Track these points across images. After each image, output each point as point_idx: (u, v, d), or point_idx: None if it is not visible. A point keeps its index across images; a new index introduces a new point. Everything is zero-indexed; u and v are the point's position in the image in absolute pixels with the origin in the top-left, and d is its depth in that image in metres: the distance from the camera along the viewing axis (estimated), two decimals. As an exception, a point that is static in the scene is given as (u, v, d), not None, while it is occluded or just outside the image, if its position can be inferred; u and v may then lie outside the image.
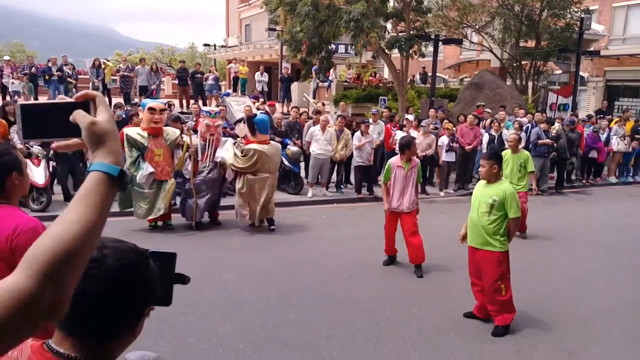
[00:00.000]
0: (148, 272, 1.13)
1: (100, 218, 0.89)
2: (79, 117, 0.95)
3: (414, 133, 11.01)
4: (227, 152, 7.78)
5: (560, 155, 11.86)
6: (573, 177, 13.20)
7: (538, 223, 8.47)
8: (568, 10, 18.58)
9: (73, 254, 0.83)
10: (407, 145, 6.25)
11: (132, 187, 7.16)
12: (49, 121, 0.98)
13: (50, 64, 16.65)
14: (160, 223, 7.84)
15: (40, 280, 0.79)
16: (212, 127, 7.70)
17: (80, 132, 0.95)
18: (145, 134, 7.24)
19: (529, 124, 12.19)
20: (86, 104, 0.98)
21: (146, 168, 7.14)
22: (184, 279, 1.23)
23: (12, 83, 15.99)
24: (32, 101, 1.06)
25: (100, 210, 0.89)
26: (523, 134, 11.57)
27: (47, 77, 16.34)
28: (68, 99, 1.00)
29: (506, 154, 7.58)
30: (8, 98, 15.17)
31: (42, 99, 16.16)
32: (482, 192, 4.82)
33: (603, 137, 13.24)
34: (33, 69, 16.86)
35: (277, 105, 14.39)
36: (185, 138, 7.60)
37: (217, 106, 13.01)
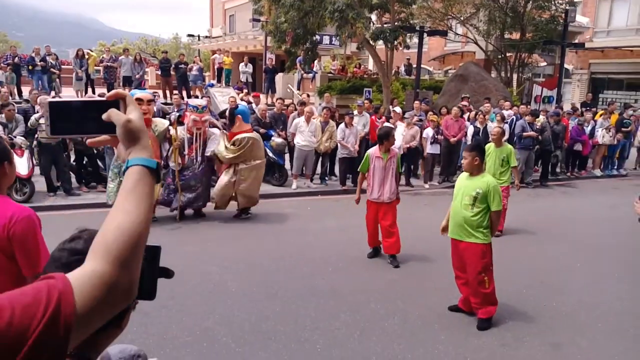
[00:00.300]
0: None
1: (150, 206, 0.96)
2: (114, 115, 0.99)
3: (400, 125, 10.99)
4: (219, 145, 7.77)
5: (544, 148, 11.93)
6: (558, 170, 13.30)
7: (522, 216, 8.52)
8: (553, 2, 18.67)
9: (138, 240, 0.90)
10: (386, 136, 6.24)
11: (121, 179, 7.08)
12: (78, 118, 1.01)
13: (33, 54, 16.56)
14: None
15: (117, 266, 0.86)
16: (199, 122, 7.60)
17: (107, 129, 1.00)
18: None
19: (514, 117, 12.23)
20: (116, 103, 1.02)
21: None
22: (168, 273, 1.23)
23: (-5, 73, 15.74)
24: (61, 98, 1.10)
25: (149, 199, 0.97)
26: (506, 127, 11.62)
27: (30, 68, 16.24)
28: (98, 97, 1.06)
29: (489, 147, 7.51)
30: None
31: (25, 90, 16.05)
32: (465, 184, 4.80)
33: (588, 129, 13.33)
34: (16, 59, 16.63)
35: (262, 97, 14.28)
36: (172, 131, 7.53)
37: (202, 97, 12.84)
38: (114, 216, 0.92)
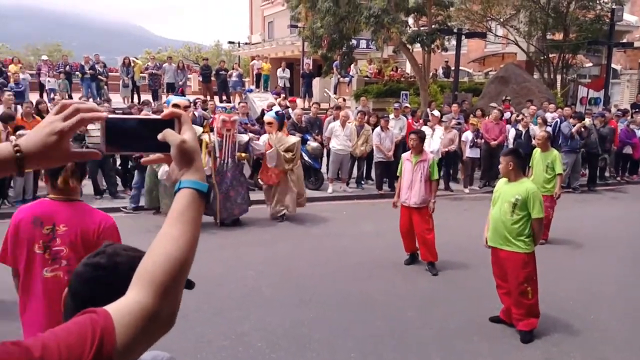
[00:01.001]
0: None
1: (197, 232, 0.95)
2: (169, 135, 0.99)
3: (439, 129, 10.80)
4: (272, 152, 7.96)
5: (591, 151, 11.49)
6: (607, 174, 12.76)
7: (569, 223, 8.12)
8: (598, 2, 18.01)
9: (183, 268, 0.90)
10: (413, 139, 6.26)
11: (159, 183, 7.32)
12: (133, 136, 1.01)
13: (83, 63, 17.40)
14: None
15: (161, 297, 0.86)
16: (228, 122, 7.65)
17: (162, 148, 1.00)
18: None
19: (558, 119, 11.83)
20: (171, 122, 1.01)
21: None
22: (190, 284, 1.21)
23: (49, 81, 16.64)
24: (116, 115, 1.09)
25: (197, 225, 0.95)
26: (549, 129, 11.24)
27: (80, 75, 17.02)
28: (153, 116, 1.04)
29: (535, 152, 7.32)
30: (45, 95, 15.84)
31: (75, 96, 16.79)
32: (504, 190, 4.65)
33: (639, 132, 12.74)
34: (67, 68, 17.61)
35: (299, 101, 14.36)
36: (204, 136, 7.57)
37: (240, 104, 13.03)
38: (162, 242, 0.91)
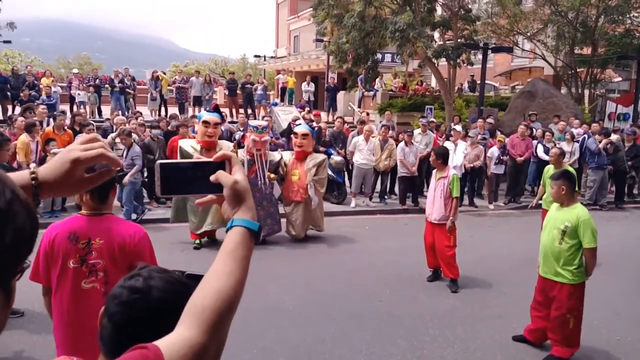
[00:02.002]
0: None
1: (246, 270, 0.99)
2: (222, 176, 1.04)
3: (461, 144, 10.75)
4: (322, 169, 7.83)
5: (618, 168, 11.26)
6: (635, 191, 12.48)
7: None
8: (627, 16, 17.72)
9: (232, 305, 0.93)
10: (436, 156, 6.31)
11: (188, 200, 7.12)
12: (187, 178, 1.07)
13: (112, 76, 17.84)
14: (205, 239, 7.55)
15: (210, 334, 0.88)
16: (259, 142, 7.45)
17: (214, 189, 1.05)
18: (198, 147, 7.17)
19: (585, 135, 11.65)
20: (222, 163, 1.07)
21: None
22: None
23: (79, 94, 17.09)
24: (170, 160, 1.18)
25: (246, 263, 0.99)
26: (577, 146, 11.08)
27: (110, 89, 17.45)
28: (205, 159, 1.10)
29: (548, 169, 7.06)
30: (75, 108, 16.29)
31: (104, 108, 17.24)
32: (554, 216, 4.42)
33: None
34: (97, 81, 18.12)
35: (323, 115, 14.45)
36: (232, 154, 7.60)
37: (264, 117, 13.14)
38: (213, 279, 0.94)
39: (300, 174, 7.81)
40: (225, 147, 7.47)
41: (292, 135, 8.53)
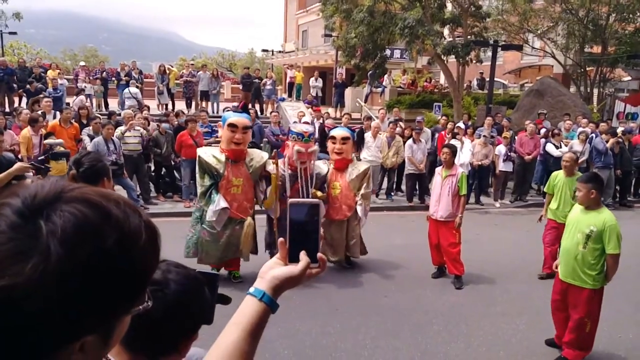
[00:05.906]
0: (204, 297, 1.24)
1: (257, 342, 1.00)
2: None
3: (467, 141, 10.75)
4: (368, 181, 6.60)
5: (624, 169, 11.25)
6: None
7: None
8: (638, 14, 17.60)
9: None
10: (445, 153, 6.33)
11: (202, 226, 5.72)
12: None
13: (119, 69, 17.88)
14: (224, 271, 6.04)
15: None
16: (305, 153, 5.89)
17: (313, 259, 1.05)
18: (222, 157, 5.67)
19: (593, 134, 11.63)
20: (317, 205, 1.08)
21: (218, 201, 5.50)
22: (226, 300, 1.30)
23: (85, 87, 17.09)
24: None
25: (259, 336, 1.00)
26: (588, 147, 11.05)
27: (116, 82, 17.50)
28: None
29: (556, 176, 6.46)
30: (83, 100, 16.18)
31: (110, 101, 17.30)
32: (578, 219, 4.30)
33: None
34: (104, 74, 18.12)
35: (330, 110, 14.46)
36: (271, 166, 5.88)
37: (271, 113, 13.07)
38: (234, 357, 0.95)
39: (342, 186, 6.42)
40: (257, 157, 5.96)
41: (327, 140, 6.82)
